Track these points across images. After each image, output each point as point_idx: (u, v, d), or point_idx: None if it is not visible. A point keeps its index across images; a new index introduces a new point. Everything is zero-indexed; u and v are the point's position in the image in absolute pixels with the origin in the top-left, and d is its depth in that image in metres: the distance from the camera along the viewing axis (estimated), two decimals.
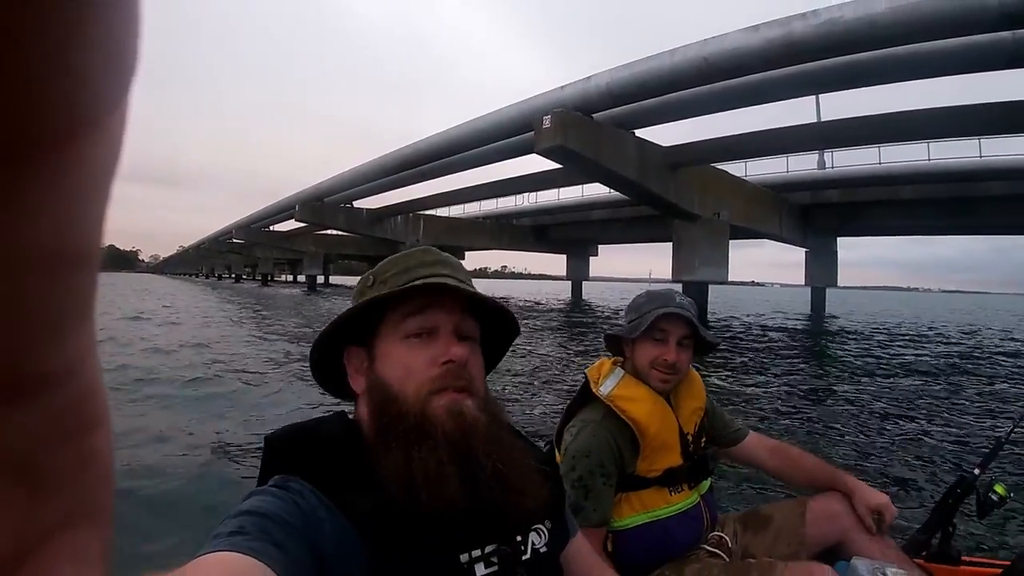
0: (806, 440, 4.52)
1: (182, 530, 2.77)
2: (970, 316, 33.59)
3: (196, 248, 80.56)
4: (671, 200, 13.17)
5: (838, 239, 23.02)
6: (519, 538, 0.74)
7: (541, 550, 0.76)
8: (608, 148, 11.65)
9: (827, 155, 20.57)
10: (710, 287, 15.81)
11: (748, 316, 21.93)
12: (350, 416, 0.77)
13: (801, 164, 18.95)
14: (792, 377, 7.71)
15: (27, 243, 0.14)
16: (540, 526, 0.77)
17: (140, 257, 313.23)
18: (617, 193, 15.43)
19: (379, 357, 0.74)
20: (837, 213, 19.81)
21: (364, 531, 0.63)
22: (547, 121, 11.00)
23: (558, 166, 13.19)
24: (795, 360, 9.51)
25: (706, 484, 1.51)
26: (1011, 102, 9.47)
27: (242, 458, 3.80)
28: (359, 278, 0.85)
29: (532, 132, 11.49)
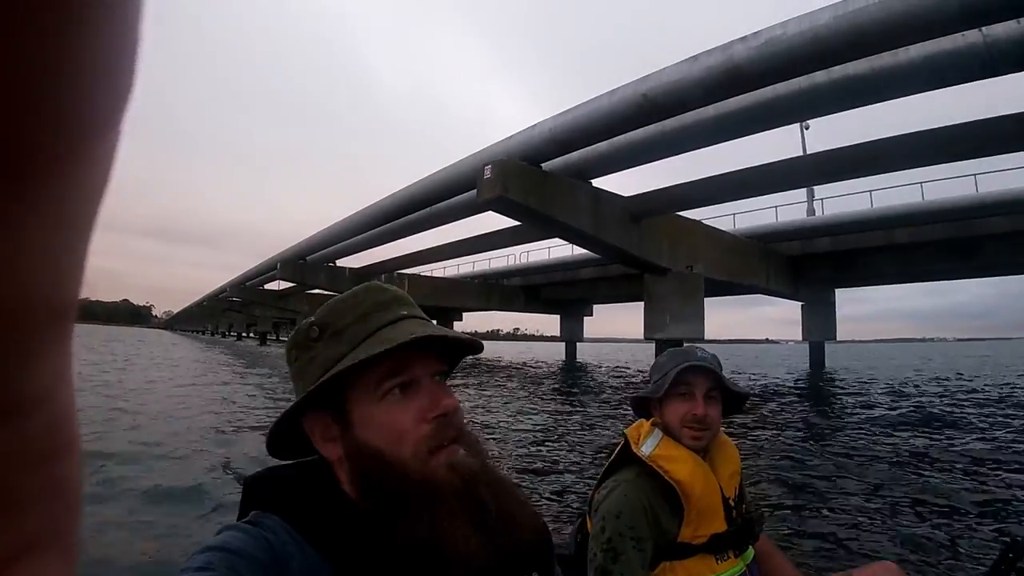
0: (825, 518, 4.18)
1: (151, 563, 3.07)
2: (980, 362, 34.18)
3: (198, 306, 79.49)
4: (634, 253, 12.10)
5: (836, 291, 21.83)
6: None
7: None
8: (557, 199, 10.69)
9: (816, 203, 19.73)
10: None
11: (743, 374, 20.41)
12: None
13: (793, 215, 18.20)
14: (787, 444, 7.18)
15: (5, 266, 0.13)
16: None
17: (154, 313, 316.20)
18: None
19: (357, 423, 0.68)
20: (830, 263, 18.50)
21: (341, 569, 0.62)
22: (488, 171, 10.10)
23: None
24: (789, 424, 8.74)
25: (750, 553, 1.43)
26: (995, 118, 8.41)
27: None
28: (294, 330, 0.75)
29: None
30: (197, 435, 6.56)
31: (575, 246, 20.75)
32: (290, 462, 0.74)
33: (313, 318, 0.73)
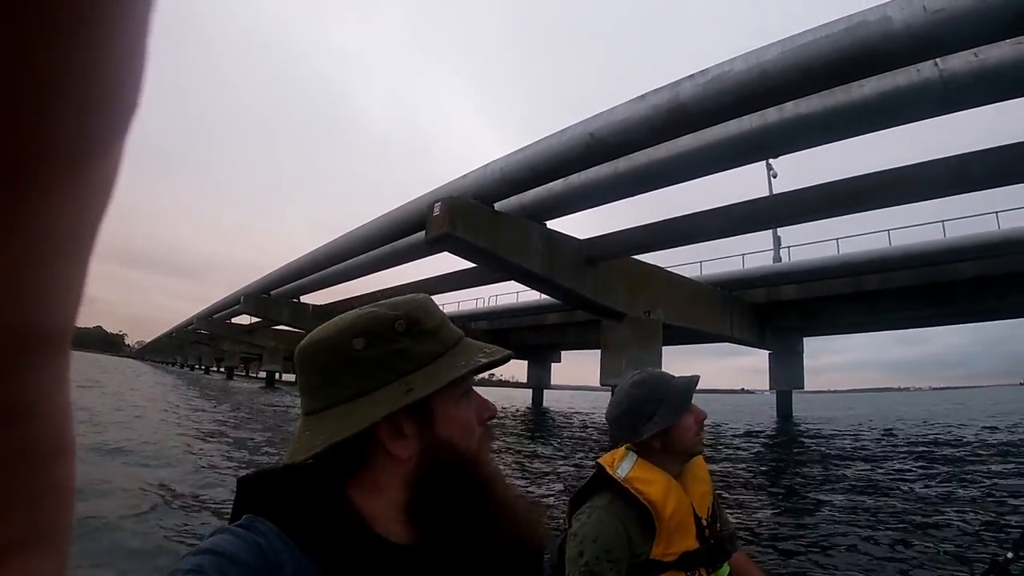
0: (810, 543, 4.37)
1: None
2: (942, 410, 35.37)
3: (168, 337, 76.59)
4: (588, 296, 11.65)
5: (804, 339, 21.52)
6: None
7: None
8: (508, 239, 10.26)
9: (784, 251, 19.57)
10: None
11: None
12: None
13: (760, 263, 18.02)
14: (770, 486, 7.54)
15: (5, 275, 0.13)
16: None
17: (126, 342, 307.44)
18: None
19: (439, 418, 0.68)
20: (797, 311, 18.26)
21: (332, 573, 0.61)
22: (437, 209, 9.69)
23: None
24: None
25: (725, 570, 1.47)
26: (960, 155, 8.20)
27: None
28: (358, 316, 0.69)
29: None
30: None
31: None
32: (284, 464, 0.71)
33: (395, 311, 0.69)
